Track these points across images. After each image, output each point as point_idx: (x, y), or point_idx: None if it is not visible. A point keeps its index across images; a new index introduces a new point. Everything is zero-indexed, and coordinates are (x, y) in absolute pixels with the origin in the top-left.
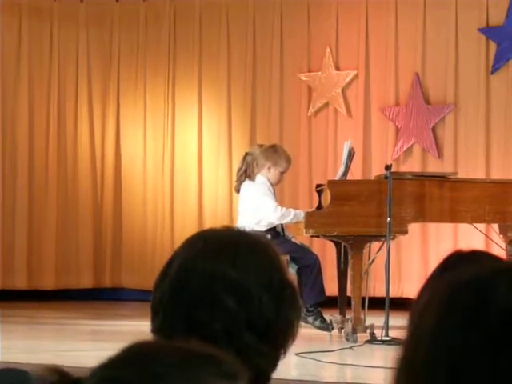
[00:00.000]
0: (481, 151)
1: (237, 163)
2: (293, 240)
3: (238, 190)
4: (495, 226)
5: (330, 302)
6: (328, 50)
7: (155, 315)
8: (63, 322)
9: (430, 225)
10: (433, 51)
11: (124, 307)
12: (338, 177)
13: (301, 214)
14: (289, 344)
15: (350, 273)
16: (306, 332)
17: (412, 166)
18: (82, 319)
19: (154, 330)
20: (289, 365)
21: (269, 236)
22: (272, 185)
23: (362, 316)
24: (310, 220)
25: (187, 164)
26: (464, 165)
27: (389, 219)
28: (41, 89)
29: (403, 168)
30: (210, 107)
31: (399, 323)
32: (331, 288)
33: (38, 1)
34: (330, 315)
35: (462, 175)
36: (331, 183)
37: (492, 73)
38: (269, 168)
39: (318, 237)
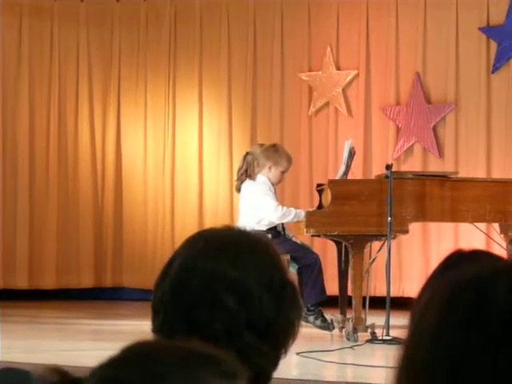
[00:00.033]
0: (481, 150)
1: (237, 163)
2: (293, 239)
3: (238, 190)
4: (496, 226)
5: (331, 302)
6: (328, 49)
7: (156, 315)
8: (64, 321)
9: (431, 224)
10: (433, 50)
11: (125, 307)
12: (338, 176)
13: (301, 213)
14: (289, 343)
15: (350, 272)
16: (307, 331)
17: (413, 165)
18: (83, 319)
19: (155, 329)
20: (289, 364)
21: (269, 235)
22: (273, 184)
23: (363, 315)
24: (311, 219)
25: (188, 163)
26: (465, 164)
27: (389, 219)
28: (41, 88)
29: (404, 167)
30: (210, 107)
31: (400, 322)
32: (332, 287)
33: (38, 0)
34: (330, 315)
35: (462, 174)
36: (332, 183)
37: (493, 72)
38: (269, 167)
39: (318, 236)
